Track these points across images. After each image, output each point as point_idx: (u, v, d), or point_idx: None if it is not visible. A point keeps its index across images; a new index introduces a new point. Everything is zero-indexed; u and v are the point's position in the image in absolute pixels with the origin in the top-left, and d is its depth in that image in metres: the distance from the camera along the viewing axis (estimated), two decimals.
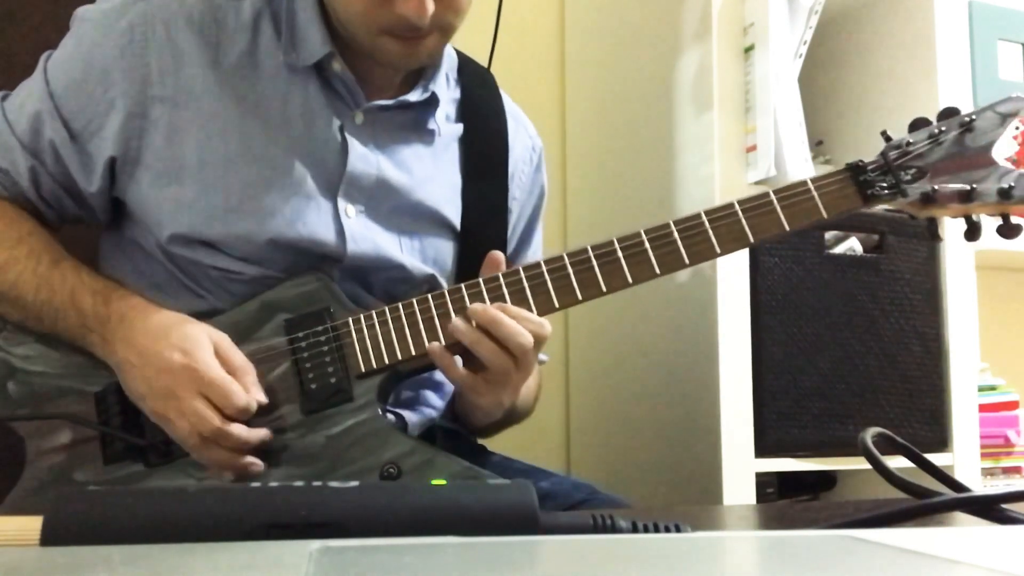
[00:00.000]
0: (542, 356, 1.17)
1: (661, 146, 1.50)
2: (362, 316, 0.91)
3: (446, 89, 1.05)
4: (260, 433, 0.87)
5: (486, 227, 1.04)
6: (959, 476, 1.00)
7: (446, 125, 1.04)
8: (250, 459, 0.87)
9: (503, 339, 0.87)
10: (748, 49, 1.39)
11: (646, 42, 1.58)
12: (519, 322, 0.88)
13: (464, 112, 1.06)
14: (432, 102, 1.01)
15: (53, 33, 0.97)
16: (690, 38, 1.45)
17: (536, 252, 1.16)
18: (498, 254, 0.95)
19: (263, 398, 0.88)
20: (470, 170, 1.05)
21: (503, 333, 0.87)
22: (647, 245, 0.91)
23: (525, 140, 1.13)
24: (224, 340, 0.89)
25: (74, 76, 0.93)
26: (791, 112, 1.37)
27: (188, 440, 0.86)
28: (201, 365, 0.85)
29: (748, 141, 1.38)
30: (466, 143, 1.05)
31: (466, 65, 1.10)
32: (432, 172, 1.01)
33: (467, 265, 1.00)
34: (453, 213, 1.02)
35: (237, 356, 0.88)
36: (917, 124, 0.94)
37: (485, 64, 1.19)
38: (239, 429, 0.85)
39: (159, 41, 0.92)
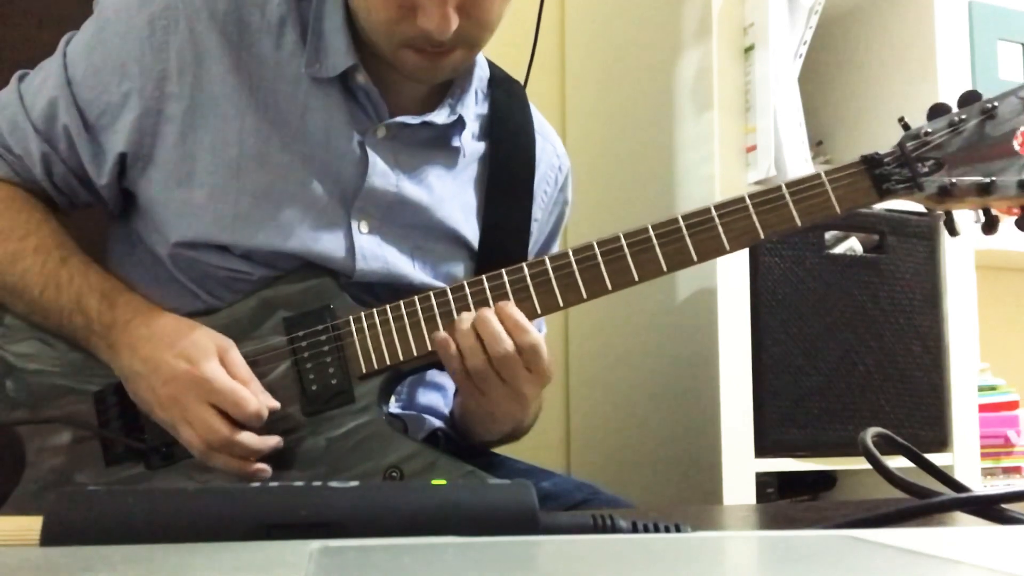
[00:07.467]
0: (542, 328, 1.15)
1: (661, 146, 1.50)
2: (363, 315, 0.90)
3: (473, 105, 1.01)
4: (271, 441, 0.86)
5: (505, 247, 1.01)
6: (959, 476, 1.00)
7: (470, 143, 1.00)
8: (259, 466, 0.86)
9: (482, 337, 0.86)
10: (748, 49, 1.39)
11: (646, 42, 1.58)
12: (505, 322, 0.86)
13: (490, 129, 1.03)
14: (459, 123, 0.97)
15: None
16: (690, 38, 1.44)
17: None
18: None
19: (274, 403, 0.87)
20: (492, 189, 1.01)
21: (485, 332, 0.86)
22: (654, 241, 0.89)
23: (552, 159, 1.09)
24: (230, 348, 0.88)
25: (92, 66, 0.92)
26: (791, 112, 1.37)
27: (196, 448, 0.85)
28: (208, 373, 0.84)
29: (748, 141, 1.38)
30: (489, 162, 1.02)
31: (497, 78, 1.06)
32: (452, 191, 0.99)
33: None
34: (471, 233, 1.00)
35: (242, 367, 0.87)
36: (937, 111, 0.90)
37: (522, 78, 1.15)
38: (249, 438, 0.85)
39: (181, 38, 0.90)
